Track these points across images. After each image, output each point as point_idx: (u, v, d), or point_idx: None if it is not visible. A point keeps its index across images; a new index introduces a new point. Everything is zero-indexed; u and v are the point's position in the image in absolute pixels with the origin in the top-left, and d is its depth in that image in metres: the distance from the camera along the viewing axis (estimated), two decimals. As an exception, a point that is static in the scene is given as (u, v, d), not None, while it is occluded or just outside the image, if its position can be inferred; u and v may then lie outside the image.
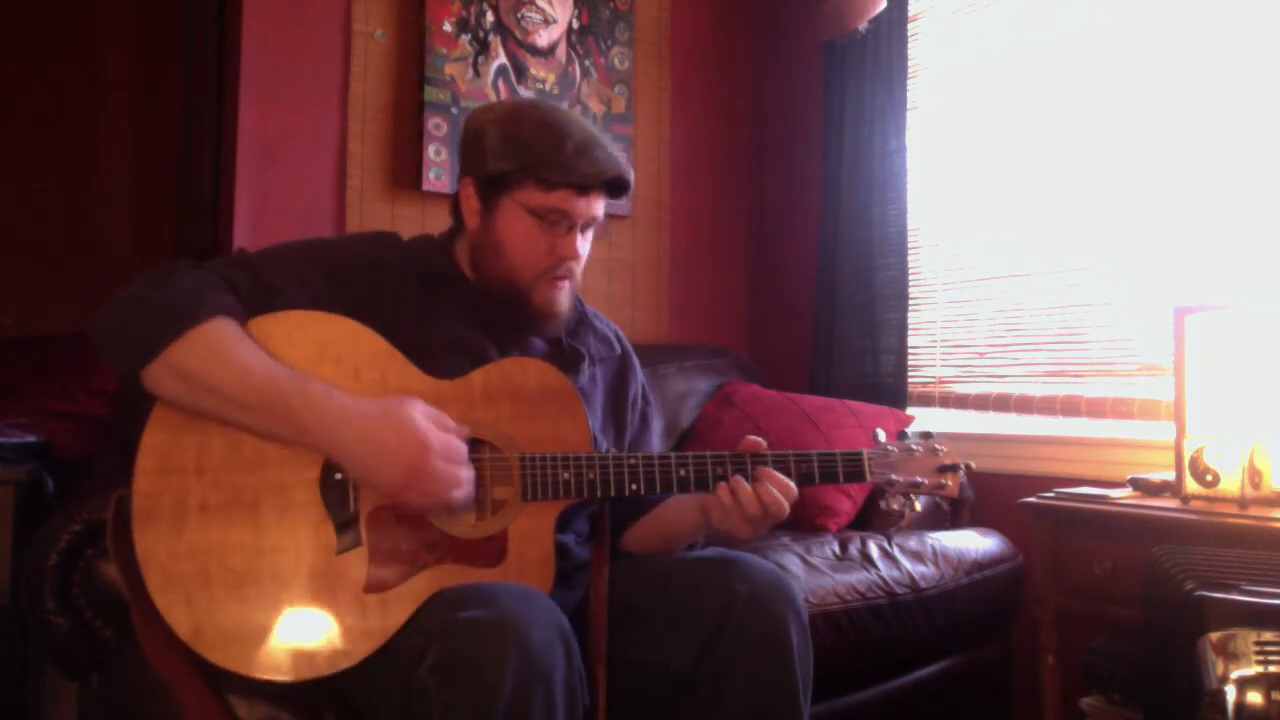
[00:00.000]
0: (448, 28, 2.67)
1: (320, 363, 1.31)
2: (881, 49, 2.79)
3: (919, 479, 1.42)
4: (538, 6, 2.82)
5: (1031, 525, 2.02)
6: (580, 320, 1.58)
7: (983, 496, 2.48)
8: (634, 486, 1.35)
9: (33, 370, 2.33)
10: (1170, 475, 1.90)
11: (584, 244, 1.47)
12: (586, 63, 2.91)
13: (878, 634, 1.95)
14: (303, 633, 1.24)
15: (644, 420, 1.63)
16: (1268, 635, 1.21)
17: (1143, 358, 2.31)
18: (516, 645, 1.12)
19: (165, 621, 1.22)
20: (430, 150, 2.63)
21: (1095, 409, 2.37)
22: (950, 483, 1.43)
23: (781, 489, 1.35)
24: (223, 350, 1.25)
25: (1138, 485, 1.98)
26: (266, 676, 1.23)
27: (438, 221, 1.54)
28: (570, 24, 2.88)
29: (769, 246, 3.28)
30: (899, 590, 2.01)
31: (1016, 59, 2.62)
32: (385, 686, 1.22)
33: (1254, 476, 1.78)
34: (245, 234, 2.44)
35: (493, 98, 2.71)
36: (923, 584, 2.05)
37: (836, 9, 2.78)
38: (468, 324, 1.45)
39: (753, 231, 3.30)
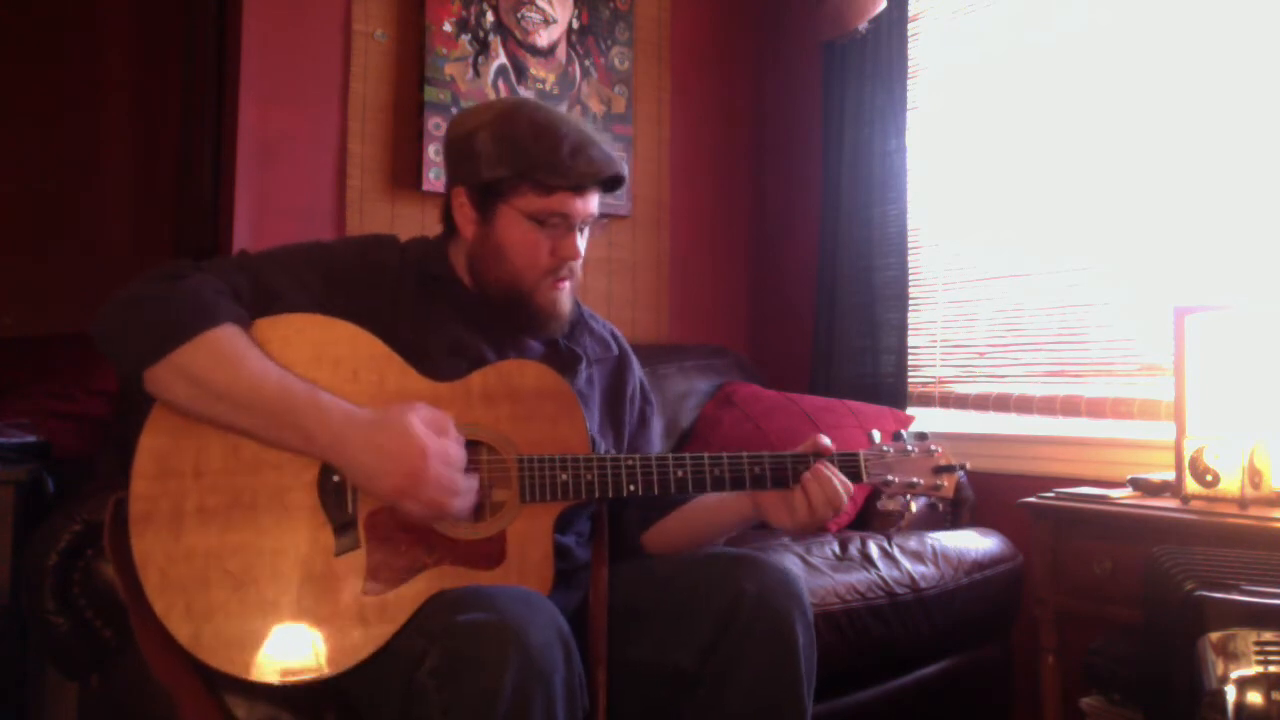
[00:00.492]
0: (448, 28, 2.67)
1: (318, 365, 1.31)
2: (881, 49, 2.79)
3: (915, 480, 1.42)
4: (538, 6, 2.82)
5: (1031, 525, 2.02)
6: (577, 322, 1.58)
7: (983, 496, 2.47)
8: (632, 487, 1.35)
9: (33, 370, 2.33)
10: (1170, 475, 1.90)
11: (583, 242, 1.47)
12: (586, 63, 2.91)
13: (878, 634, 1.95)
14: (302, 636, 1.24)
15: (643, 419, 1.63)
16: (1268, 635, 1.21)
17: (1143, 358, 2.31)
18: (516, 647, 1.12)
19: (163, 625, 1.22)
20: (430, 150, 2.63)
21: (1095, 409, 2.37)
22: (946, 484, 1.43)
23: (842, 483, 1.38)
24: (233, 356, 1.25)
25: (1138, 485, 1.98)
26: (265, 680, 1.23)
27: (438, 222, 1.54)
28: (570, 24, 2.88)
29: (769, 246, 3.28)
30: (899, 590, 2.01)
31: (1016, 59, 2.61)
32: (385, 688, 1.22)
33: (1254, 476, 1.78)
34: (245, 234, 2.44)
35: (493, 97, 2.71)
36: (923, 584, 2.05)
37: (836, 9, 2.78)
38: (465, 327, 1.45)
39: (753, 231, 3.30)
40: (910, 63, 2.81)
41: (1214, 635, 1.24)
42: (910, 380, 2.76)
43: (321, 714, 1.31)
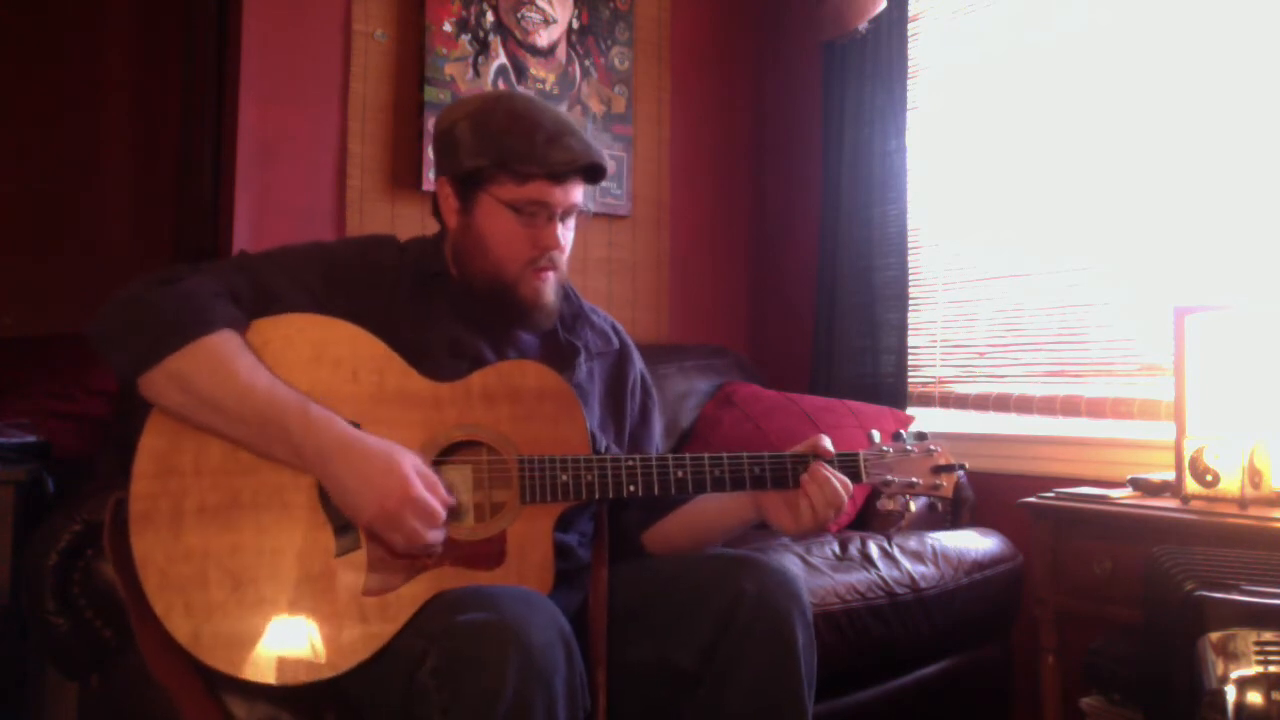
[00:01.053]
0: (448, 28, 2.67)
1: (318, 365, 1.31)
2: (881, 49, 2.79)
3: (914, 480, 1.42)
4: (538, 6, 2.82)
5: (1031, 525, 2.01)
6: (577, 314, 1.58)
7: (983, 496, 2.47)
8: (632, 488, 1.35)
9: (33, 370, 2.32)
10: (1170, 475, 1.90)
11: (565, 233, 1.46)
12: (586, 63, 2.91)
13: (878, 634, 1.95)
14: (301, 636, 1.24)
15: (644, 412, 1.62)
16: (1268, 635, 1.21)
17: (1143, 358, 2.31)
18: (517, 648, 1.12)
19: (163, 625, 1.22)
20: (430, 150, 2.63)
21: (1095, 409, 2.37)
22: (945, 483, 1.43)
23: (842, 483, 1.38)
24: (225, 364, 1.25)
25: (1138, 485, 1.98)
26: (265, 680, 1.23)
27: (433, 218, 1.54)
28: (570, 24, 2.88)
29: (769, 246, 3.28)
30: (899, 590, 2.01)
31: (1016, 59, 2.61)
32: (386, 689, 1.22)
33: (1254, 476, 1.78)
34: (245, 234, 2.44)
35: (492, 98, 2.71)
36: (923, 584, 2.05)
37: (836, 9, 2.78)
38: (464, 324, 1.45)
39: (753, 231, 3.30)
40: (910, 63, 2.81)
41: (1214, 635, 1.24)
42: (910, 380, 2.76)
43: (321, 714, 1.31)
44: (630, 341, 1.65)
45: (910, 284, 2.76)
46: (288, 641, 1.23)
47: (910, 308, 2.76)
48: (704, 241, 3.20)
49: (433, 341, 1.40)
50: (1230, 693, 1.17)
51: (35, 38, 3.03)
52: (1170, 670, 1.36)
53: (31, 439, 1.97)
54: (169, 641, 1.22)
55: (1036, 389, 2.52)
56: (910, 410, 2.69)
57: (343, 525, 1.28)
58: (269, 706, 1.29)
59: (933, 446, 1.44)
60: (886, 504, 1.45)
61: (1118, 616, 1.86)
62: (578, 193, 1.44)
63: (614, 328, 1.64)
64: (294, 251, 1.44)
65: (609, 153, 2.92)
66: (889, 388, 2.74)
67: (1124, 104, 2.37)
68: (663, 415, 1.70)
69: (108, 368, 1.30)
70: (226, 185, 2.46)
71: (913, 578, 2.04)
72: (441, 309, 1.45)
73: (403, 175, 2.65)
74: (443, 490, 1.28)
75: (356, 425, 1.30)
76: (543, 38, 2.83)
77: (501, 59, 2.76)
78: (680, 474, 1.37)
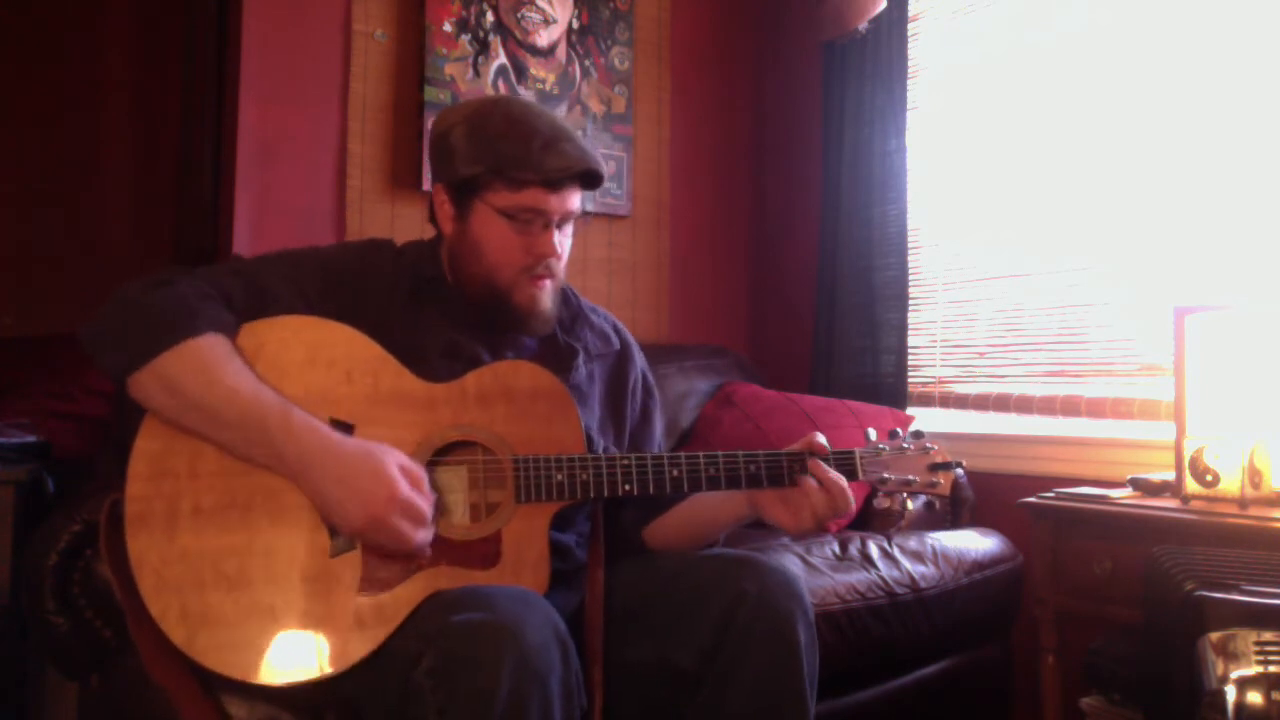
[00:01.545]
0: (448, 28, 2.67)
1: (313, 367, 1.31)
2: (881, 49, 2.79)
3: (911, 477, 1.42)
4: (538, 6, 2.82)
5: (1031, 525, 2.01)
6: (576, 316, 1.57)
7: (983, 496, 2.47)
8: (627, 487, 1.35)
9: (33, 370, 2.32)
10: (1170, 475, 1.90)
11: (563, 240, 1.45)
12: (586, 63, 2.91)
13: (878, 634, 1.95)
14: (297, 636, 1.23)
15: (644, 412, 1.62)
16: (1268, 635, 1.21)
17: (1143, 358, 2.31)
18: (513, 647, 1.12)
19: (159, 627, 1.22)
20: (427, 152, 2.63)
21: (1095, 409, 2.37)
22: (942, 481, 1.43)
23: (845, 488, 1.38)
24: (211, 367, 1.25)
25: (1138, 485, 1.98)
26: (262, 682, 1.23)
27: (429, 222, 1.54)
28: (570, 24, 2.88)
29: (769, 246, 3.28)
30: (899, 590, 2.01)
31: (1016, 59, 2.61)
32: (382, 689, 1.22)
33: (1254, 476, 1.78)
34: (245, 234, 2.44)
35: (492, 98, 2.71)
36: (923, 584, 2.05)
37: (836, 9, 2.78)
38: (459, 328, 1.44)
39: (753, 231, 3.30)
40: (910, 63, 2.81)
41: (1214, 635, 1.24)
42: (910, 380, 2.76)
43: (321, 715, 1.30)
44: (632, 340, 1.64)
45: (910, 284, 2.76)
46: (283, 643, 1.23)
47: (910, 308, 2.75)
48: (704, 241, 3.20)
49: (429, 345, 1.40)
50: (1230, 693, 1.17)
51: (35, 38, 3.03)
52: (1170, 670, 1.36)
53: (31, 439, 1.97)
54: (166, 643, 1.22)
55: (1036, 389, 2.52)
56: (910, 410, 2.69)
57: (338, 526, 1.28)
58: (269, 707, 1.29)
59: (929, 444, 1.44)
60: (883, 501, 1.45)
61: (1118, 616, 1.86)
62: (574, 200, 1.44)
63: (615, 327, 1.63)
64: (289, 256, 1.43)
65: (609, 153, 2.92)
66: (889, 388, 2.74)
67: (1124, 104, 2.37)
68: (663, 414, 1.69)
69: (101, 370, 1.30)
70: (226, 185, 2.46)
71: (913, 578, 2.04)
72: (438, 313, 1.45)
73: (403, 175, 2.65)
74: (427, 487, 1.27)
75: (351, 427, 1.30)
76: (543, 38, 2.83)
77: (501, 59, 2.76)
78: (675, 473, 1.37)
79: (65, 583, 1.41)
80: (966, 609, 2.13)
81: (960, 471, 1.46)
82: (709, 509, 1.50)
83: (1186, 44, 2.26)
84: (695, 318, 3.16)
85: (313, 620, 1.24)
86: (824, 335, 2.90)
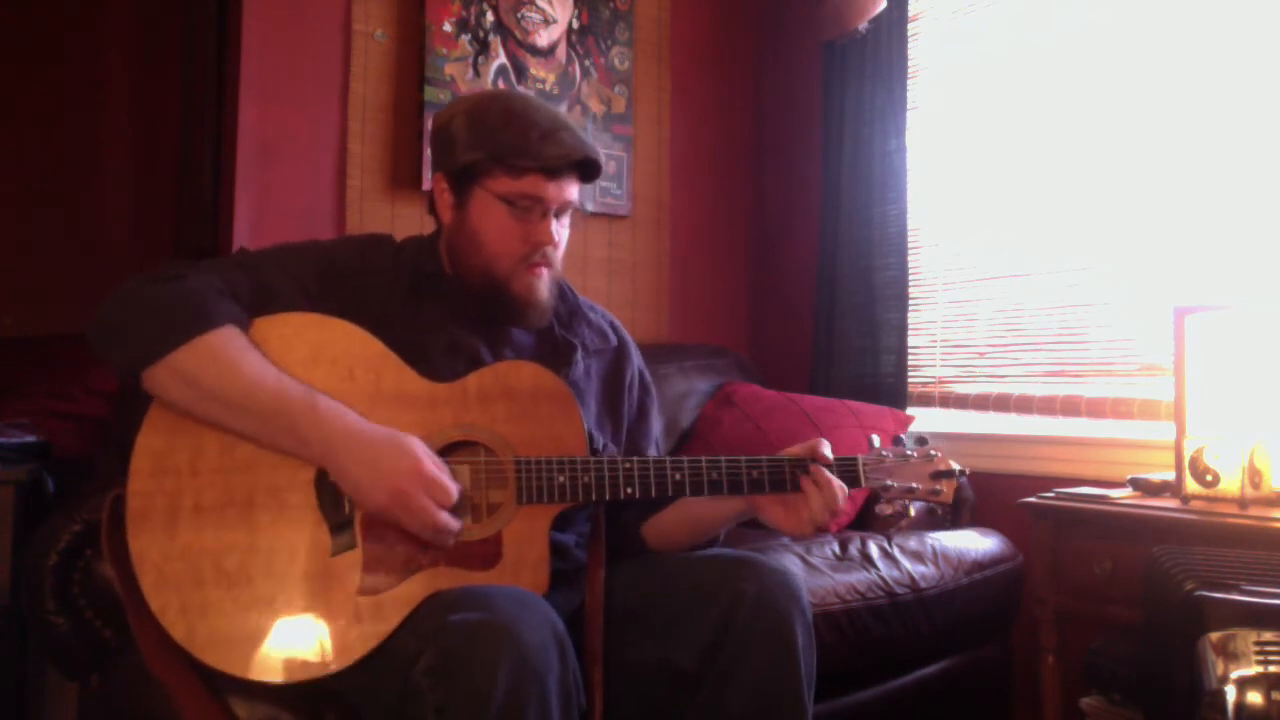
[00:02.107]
0: (448, 28, 2.67)
1: (315, 364, 1.31)
2: (881, 49, 2.79)
3: (914, 485, 1.42)
4: (538, 6, 2.82)
5: (1031, 525, 2.01)
6: (574, 312, 1.58)
7: (983, 496, 2.47)
8: (629, 490, 1.35)
9: (33, 370, 2.32)
10: (1170, 475, 1.90)
11: (560, 230, 1.46)
12: (586, 63, 2.91)
13: (878, 634, 1.95)
14: (297, 635, 1.24)
15: (641, 409, 1.62)
16: (1268, 635, 1.21)
17: (1143, 358, 2.31)
18: (511, 647, 1.12)
19: (159, 623, 1.22)
20: (429, 144, 2.63)
21: (1095, 409, 2.37)
22: (945, 489, 1.42)
23: (839, 487, 1.38)
24: (231, 359, 1.26)
25: (1138, 485, 1.98)
26: (261, 678, 1.23)
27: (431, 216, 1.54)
28: (570, 24, 2.88)
29: (769, 246, 3.28)
30: (899, 590, 2.01)
31: (1016, 59, 2.61)
32: (380, 688, 1.22)
33: (1254, 476, 1.78)
34: (245, 234, 2.44)
35: (492, 98, 2.70)
36: (923, 584, 2.05)
37: (836, 9, 2.78)
38: (459, 323, 1.45)
39: (753, 231, 3.30)
40: (910, 63, 2.81)
41: (1214, 635, 1.24)
42: (910, 380, 2.76)
43: (322, 714, 1.31)
44: (629, 338, 1.65)
45: (910, 284, 2.76)
46: (283, 640, 1.23)
47: (910, 308, 2.75)
48: (704, 241, 3.20)
49: (429, 341, 1.40)
50: (1230, 693, 1.17)
51: (35, 38, 3.03)
52: (1170, 670, 1.36)
53: (31, 439, 1.97)
54: (166, 639, 1.23)
55: (1036, 389, 2.52)
56: (910, 410, 2.69)
57: (339, 524, 1.28)
58: (269, 706, 1.29)
59: (933, 451, 1.44)
60: (885, 509, 1.45)
61: (1118, 616, 1.86)
62: (573, 189, 1.45)
63: (612, 325, 1.64)
64: (292, 250, 1.44)
65: (609, 153, 2.92)
66: (889, 388, 2.74)
67: (1124, 104, 2.37)
68: (662, 414, 1.69)
69: (107, 368, 1.30)
70: (226, 185, 2.46)
71: (913, 578, 2.04)
72: (437, 309, 1.45)
73: (403, 175, 2.65)
74: (450, 475, 1.28)
75: None
76: (543, 38, 2.83)
77: (501, 59, 2.76)
78: (678, 476, 1.37)
79: (65, 583, 1.41)
80: (966, 609, 2.13)
81: (961, 478, 1.46)
82: (706, 505, 1.50)
83: (1186, 44, 2.26)
84: (695, 318, 3.16)
85: (312, 618, 1.24)
86: (824, 335, 2.90)
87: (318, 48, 2.55)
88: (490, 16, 2.74)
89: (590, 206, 2.89)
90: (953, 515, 2.41)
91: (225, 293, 1.31)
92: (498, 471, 1.33)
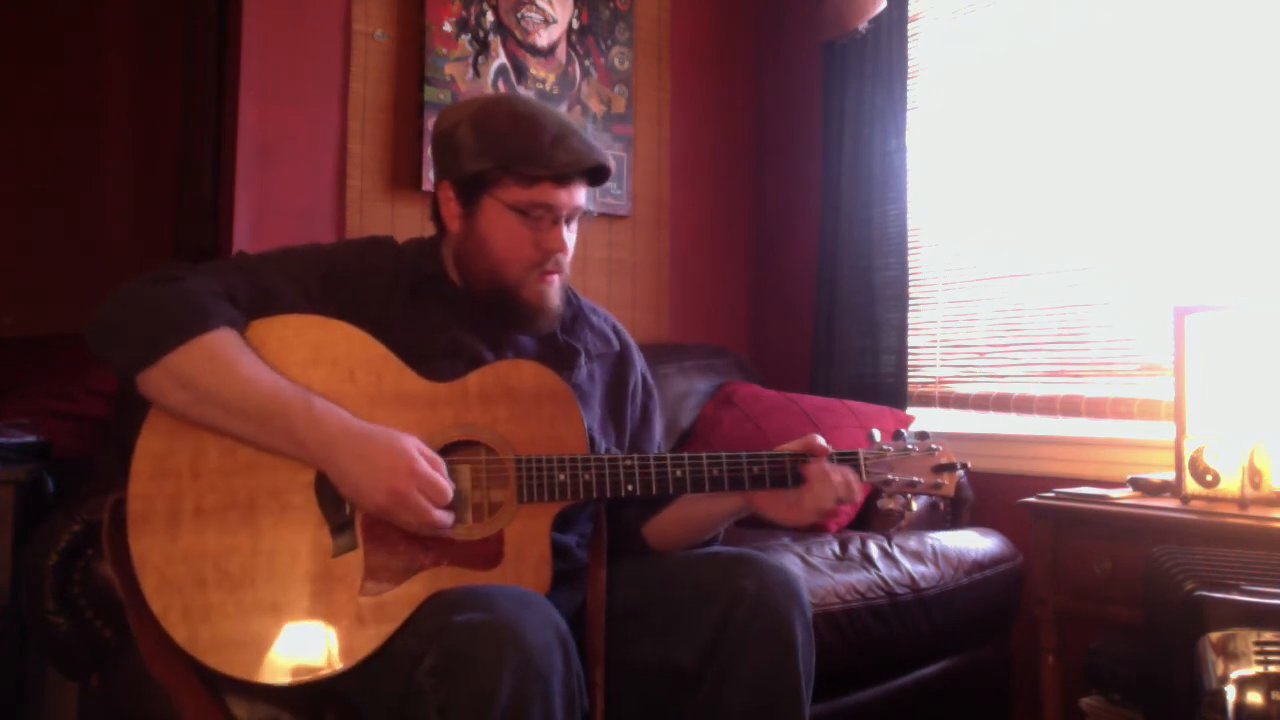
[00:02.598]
0: (448, 28, 2.67)
1: (316, 366, 1.31)
2: (881, 49, 2.79)
3: (915, 479, 1.42)
4: (538, 6, 2.82)
5: (1031, 525, 2.01)
6: (576, 316, 1.57)
7: (983, 496, 2.47)
8: (630, 487, 1.35)
9: (33, 370, 2.32)
10: (1170, 475, 1.90)
11: (569, 235, 1.46)
12: (586, 63, 2.91)
13: (878, 634, 1.95)
14: (299, 636, 1.24)
15: (645, 413, 1.62)
16: (1268, 635, 1.21)
17: (1143, 358, 2.31)
18: (514, 648, 1.12)
19: (160, 625, 1.22)
20: (430, 150, 2.63)
21: (1095, 409, 2.37)
22: (947, 482, 1.43)
23: (843, 475, 1.39)
24: (226, 361, 1.26)
25: (1138, 485, 1.98)
26: (263, 680, 1.23)
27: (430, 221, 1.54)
28: (570, 24, 2.88)
29: (769, 246, 3.28)
30: (899, 590, 2.01)
31: (1016, 59, 2.61)
32: (383, 689, 1.22)
33: (1254, 476, 1.78)
34: (245, 234, 2.44)
35: (492, 98, 2.71)
36: (923, 584, 2.05)
37: (836, 9, 2.78)
38: (461, 326, 1.44)
39: (753, 231, 3.30)
40: (910, 63, 2.81)
41: (1214, 635, 1.24)
42: (910, 380, 2.76)
43: (322, 714, 1.31)
44: (631, 341, 1.65)
45: (910, 284, 2.76)
46: (285, 642, 1.23)
47: (910, 308, 2.75)
48: (704, 241, 3.20)
49: (430, 343, 1.40)
50: (1230, 693, 1.17)
51: (35, 38, 3.02)
52: (1170, 670, 1.36)
53: (31, 439, 1.97)
54: (167, 642, 1.23)
55: (1036, 389, 2.52)
56: (910, 410, 2.69)
57: (340, 526, 1.28)
58: (270, 707, 1.29)
59: (934, 445, 1.44)
60: (887, 503, 1.45)
61: (1118, 616, 1.86)
62: (581, 194, 1.44)
63: (614, 328, 1.63)
64: (292, 253, 1.44)
65: (609, 153, 2.91)
66: (889, 388, 2.74)
67: (1124, 104, 2.37)
68: (663, 416, 1.69)
69: (107, 368, 1.30)
70: (226, 185, 2.46)
71: (913, 578, 2.04)
72: (439, 311, 1.45)
73: (403, 175, 2.65)
74: (445, 472, 1.28)
75: None
76: (543, 38, 2.83)
77: (501, 59, 2.76)
78: (679, 473, 1.37)
79: (65, 583, 1.41)
80: (966, 609, 2.13)
81: (962, 472, 1.46)
82: (706, 501, 1.50)
83: (1186, 44, 2.26)
84: (695, 318, 3.16)
85: (314, 620, 1.24)
86: (824, 335, 2.90)
87: (318, 48, 2.55)
88: (490, 16, 2.74)
89: (590, 207, 2.89)
90: (953, 515, 2.41)
91: (223, 295, 1.31)
92: (498, 471, 1.33)
